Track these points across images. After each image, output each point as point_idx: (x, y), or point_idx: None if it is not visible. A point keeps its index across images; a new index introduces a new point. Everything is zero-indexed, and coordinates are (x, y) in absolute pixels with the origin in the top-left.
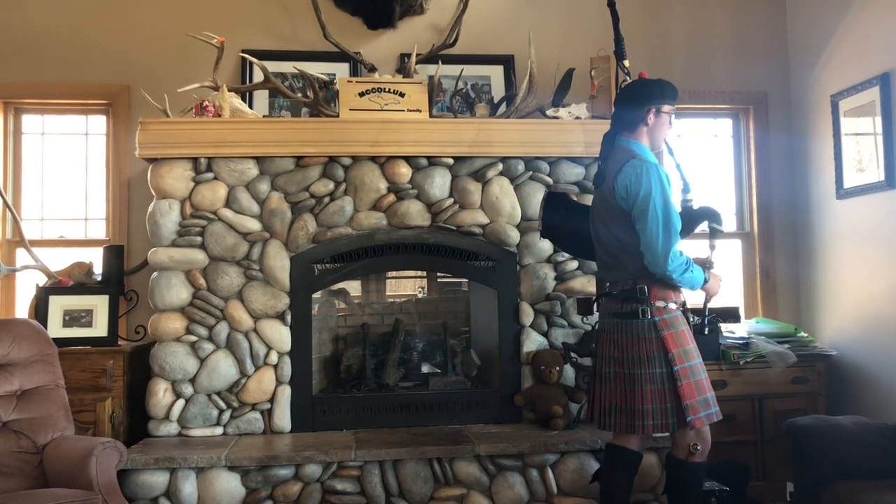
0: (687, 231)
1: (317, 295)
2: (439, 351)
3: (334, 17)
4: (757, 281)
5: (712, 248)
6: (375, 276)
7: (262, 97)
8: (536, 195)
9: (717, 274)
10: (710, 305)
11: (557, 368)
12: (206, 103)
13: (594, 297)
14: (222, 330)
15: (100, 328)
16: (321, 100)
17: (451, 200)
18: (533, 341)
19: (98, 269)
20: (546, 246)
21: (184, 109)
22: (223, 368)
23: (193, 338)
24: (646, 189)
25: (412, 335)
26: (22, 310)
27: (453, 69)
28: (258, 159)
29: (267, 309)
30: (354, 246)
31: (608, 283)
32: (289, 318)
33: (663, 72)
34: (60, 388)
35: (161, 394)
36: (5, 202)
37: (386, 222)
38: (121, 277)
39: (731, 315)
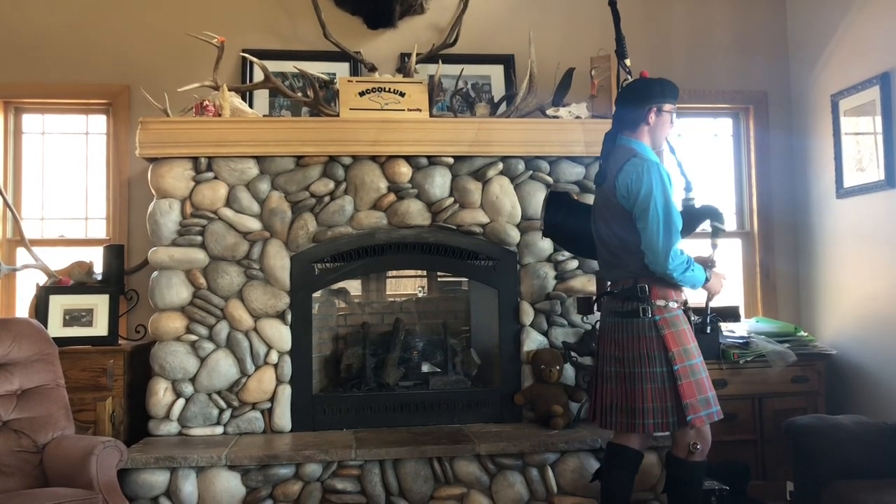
0: (689, 230)
1: (317, 294)
2: (439, 350)
3: (334, 17)
4: (757, 280)
5: (714, 246)
6: (375, 276)
7: (262, 97)
8: (537, 194)
9: (719, 273)
10: (711, 304)
11: (557, 368)
12: (206, 103)
13: (595, 297)
14: (222, 329)
15: (100, 327)
16: (321, 99)
17: (452, 200)
18: (533, 340)
19: (98, 269)
20: (546, 245)
21: (184, 109)
22: (223, 368)
23: (194, 337)
24: (647, 188)
25: (412, 334)
26: (22, 309)
27: (453, 69)
28: (258, 159)
29: (267, 308)
30: (354, 245)
31: (609, 282)
32: (289, 317)
33: (664, 71)
34: (61, 387)
35: (161, 393)
36: (6, 201)
37: (386, 222)
38: (121, 277)
39: (730, 314)
